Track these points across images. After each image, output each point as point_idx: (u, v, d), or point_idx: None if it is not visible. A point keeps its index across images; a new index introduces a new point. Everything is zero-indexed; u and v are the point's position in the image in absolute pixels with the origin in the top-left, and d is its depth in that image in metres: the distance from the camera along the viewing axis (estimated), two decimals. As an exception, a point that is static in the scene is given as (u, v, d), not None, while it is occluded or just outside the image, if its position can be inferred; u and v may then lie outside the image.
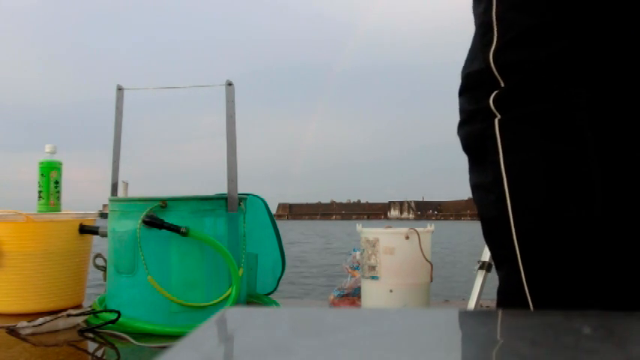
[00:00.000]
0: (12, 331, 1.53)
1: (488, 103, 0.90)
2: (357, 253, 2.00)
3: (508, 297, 0.93)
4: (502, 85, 0.91)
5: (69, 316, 1.58)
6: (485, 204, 0.92)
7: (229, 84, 1.76)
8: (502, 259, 0.93)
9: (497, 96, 0.89)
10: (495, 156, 0.87)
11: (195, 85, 1.90)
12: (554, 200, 0.84)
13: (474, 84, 0.95)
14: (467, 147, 0.96)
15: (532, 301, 0.86)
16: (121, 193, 1.94)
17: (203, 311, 1.60)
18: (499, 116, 0.88)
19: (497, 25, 0.92)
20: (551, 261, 0.85)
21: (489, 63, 0.91)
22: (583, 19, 0.88)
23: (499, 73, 0.91)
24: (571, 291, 0.86)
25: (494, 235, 0.93)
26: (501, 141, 0.87)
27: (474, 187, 0.96)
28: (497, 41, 0.91)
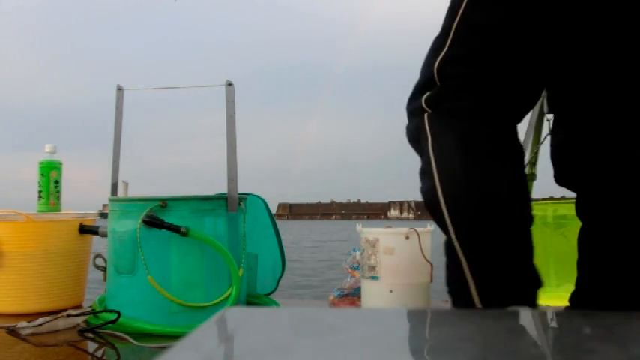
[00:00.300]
0: (12, 331, 1.53)
1: (421, 102, 1.03)
2: (357, 253, 2.00)
3: (453, 276, 0.99)
4: (438, 86, 1.02)
5: (69, 316, 1.58)
6: (425, 190, 1.01)
7: (229, 84, 1.76)
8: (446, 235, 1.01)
9: (428, 96, 1.02)
10: (426, 143, 0.99)
11: (195, 85, 1.90)
12: (469, 173, 0.95)
13: (416, 89, 1.07)
14: (410, 141, 1.07)
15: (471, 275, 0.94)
16: (121, 193, 1.94)
17: (203, 311, 1.60)
18: (429, 111, 1.01)
19: (452, 36, 1.02)
20: (477, 226, 0.95)
21: (433, 70, 1.03)
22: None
23: (439, 80, 1.02)
24: (500, 260, 0.94)
25: (435, 215, 1.01)
26: (430, 130, 1.00)
27: (419, 175, 1.04)
28: (446, 51, 1.02)
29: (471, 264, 0.93)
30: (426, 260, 1.85)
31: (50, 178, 2.01)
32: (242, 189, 1.77)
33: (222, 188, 1.73)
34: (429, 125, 1.00)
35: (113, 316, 1.55)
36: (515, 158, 1.00)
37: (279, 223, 2.11)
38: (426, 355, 0.31)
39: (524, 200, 0.99)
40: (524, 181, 1.02)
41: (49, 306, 1.84)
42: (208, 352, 0.32)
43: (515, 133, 1.04)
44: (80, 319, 1.60)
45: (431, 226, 1.93)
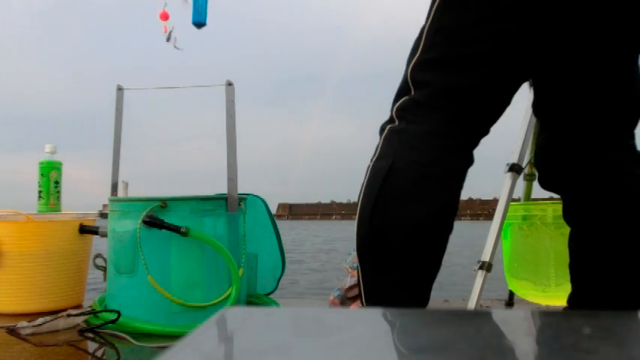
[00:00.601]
0: (12, 331, 1.53)
1: (393, 111, 1.01)
2: (357, 253, 1.99)
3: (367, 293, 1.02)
4: (410, 95, 1.01)
5: (69, 316, 1.58)
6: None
7: (229, 84, 1.76)
8: None
9: (399, 106, 1.01)
10: (371, 159, 1.00)
11: (195, 85, 1.90)
12: (374, 219, 0.96)
13: (397, 92, 1.05)
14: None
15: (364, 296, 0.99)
16: (121, 193, 1.94)
17: (203, 311, 1.60)
18: (394, 124, 1.01)
19: (424, 40, 1.01)
20: (374, 269, 0.99)
21: (407, 74, 1.02)
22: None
23: (412, 85, 1.01)
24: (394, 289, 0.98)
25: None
26: (380, 148, 1.00)
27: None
28: (419, 55, 1.01)
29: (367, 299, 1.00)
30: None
31: (50, 178, 2.01)
32: (242, 189, 1.77)
33: (222, 188, 1.74)
34: (383, 141, 1.00)
35: (113, 316, 1.55)
36: (445, 190, 0.98)
37: (279, 223, 2.11)
38: (426, 355, 0.31)
39: (435, 236, 0.98)
40: (444, 214, 0.98)
41: (49, 306, 1.84)
42: (208, 352, 0.32)
43: (470, 152, 1.01)
44: (80, 319, 1.60)
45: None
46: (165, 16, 2.13)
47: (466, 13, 0.95)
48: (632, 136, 1.03)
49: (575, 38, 0.96)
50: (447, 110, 0.97)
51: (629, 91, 1.00)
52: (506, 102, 1.03)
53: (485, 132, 1.03)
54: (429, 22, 0.99)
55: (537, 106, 1.10)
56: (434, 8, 0.98)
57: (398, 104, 1.01)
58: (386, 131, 1.01)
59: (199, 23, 1.57)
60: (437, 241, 0.99)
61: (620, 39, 0.96)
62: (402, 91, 1.02)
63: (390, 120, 1.02)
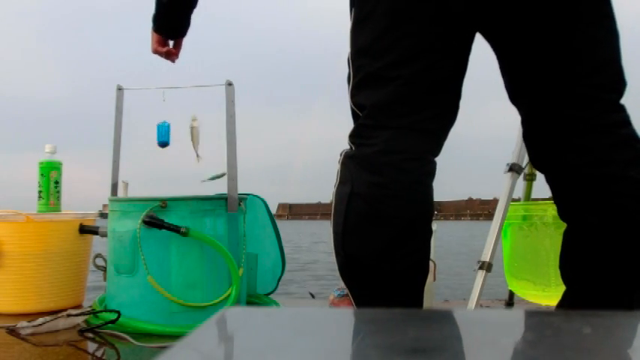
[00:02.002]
0: (12, 331, 1.53)
1: (349, 135, 1.03)
2: (357, 253, 1.99)
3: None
4: (357, 121, 1.02)
5: (69, 316, 1.58)
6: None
7: (229, 84, 1.76)
8: None
9: (351, 132, 1.02)
10: (335, 184, 1.01)
11: (195, 85, 1.90)
12: (347, 245, 0.98)
13: (351, 113, 1.06)
14: None
15: None
16: (121, 193, 1.94)
17: (203, 311, 1.60)
18: (350, 149, 1.02)
19: (351, 66, 1.01)
20: (353, 285, 1.02)
21: (350, 102, 1.03)
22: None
23: (358, 111, 1.02)
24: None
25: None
26: (339, 174, 1.01)
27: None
28: (352, 82, 1.02)
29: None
30: (430, 259, 1.85)
31: (50, 178, 2.01)
32: (242, 189, 1.77)
33: (222, 188, 1.74)
34: (341, 166, 1.01)
35: (113, 316, 1.55)
36: (409, 203, 0.97)
37: (279, 223, 2.12)
38: (426, 355, 0.31)
39: (410, 248, 0.98)
40: (414, 226, 0.98)
41: (49, 306, 1.84)
42: (208, 352, 0.32)
43: (427, 159, 1.00)
44: (80, 319, 1.60)
45: (434, 226, 1.93)
46: None
47: (374, 25, 0.96)
48: (610, 101, 0.96)
49: (510, 12, 0.94)
50: (390, 125, 0.97)
51: (594, 55, 0.95)
52: (447, 97, 1.01)
53: (440, 135, 1.02)
54: (350, 49, 1.01)
55: (509, 89, 1.06)
56: (350, 34, 1.00)
57: (350, 132, 1.02)
58: (342, 156, 1.02)
59: (164, 143, 1.84)
60: (414, 252, 0.99)
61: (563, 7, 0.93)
62: (354, 119, 1.04)
63: (348, 143, 1.04)
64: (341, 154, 1.03)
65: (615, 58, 0.96)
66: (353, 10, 1.01)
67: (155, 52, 1.35)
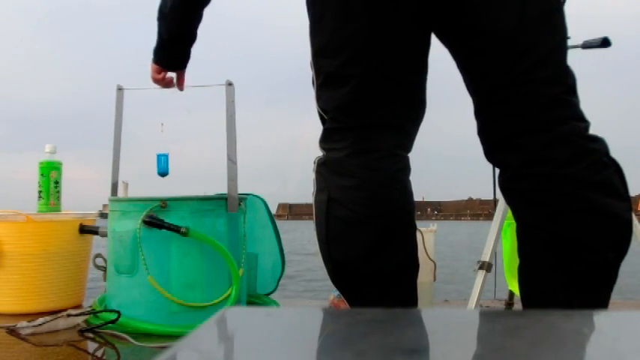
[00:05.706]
0: (12, 331, 1.53)
1: (319, 140, 1.03)
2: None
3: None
4: (324, 125, 1.02)
5: (69, 316, 1.58)
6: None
7: (229, 84, 1.76)
8: None
9: (320, 137, 1.02)
10: (312, 192, 1.02)
11: (195, 85, 1.90)
12: (332, 251, 0.98)
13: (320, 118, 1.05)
14: None
15: None
16: (121, 193, 1.94)
17: (203, 311, 1.60)
18: (322, 155, 1.02)
19: (313, 71, 1.02)
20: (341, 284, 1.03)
21: (316, 107, 1.03)
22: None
23: (324, 115, 1.02)
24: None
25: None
26: (316, 182, 1.01)
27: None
28: (315, 87, 1.02)
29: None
30: (430, 259, 1.85)
31: (50, 178, 2.01)
32: (242, 189, 1.77)
33: (222, 188, 1.73)
34: (315, 175, 1.01)
35: (113, 316, 1.55)
36: (387, 202, 0.97)
37: (279, 223, 2.12)
38: (426, 355, 0.31)
39: (396, 245, 0.98)
40: (396, 224, 0.98)
41: (49, 306, 1.84)
42: (208, 352, 0.32)
43: (399, 156, 1.00)
44: (80, 319, 1.60)
45: (434, 226, 1.94)
46: None
47: (327, 25, 0.97)
48: (552, 96, 0.91)
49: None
50: (354, 125, 0.97)
51: (536, 50, 0.91)
52: (407, 91, 0.99)
53: (409, 130, 1.01)
54: (310, 53, 1.01)
55: (465, 80, 1.02)
56: (309, 37, 1.01)
57: (319, 138, 1.03)
58: (315, 164, 1.02)
59: (163, 173, 1.86)
60: (400, 248, 0.99)
61: None
62: (323, 125, 1.04)
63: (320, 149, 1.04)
64: (314, 162, 1.03)
65: (558, 50, 0.93)
66: (308, 13, 1.01)
67: (154, 80, 1.37)
